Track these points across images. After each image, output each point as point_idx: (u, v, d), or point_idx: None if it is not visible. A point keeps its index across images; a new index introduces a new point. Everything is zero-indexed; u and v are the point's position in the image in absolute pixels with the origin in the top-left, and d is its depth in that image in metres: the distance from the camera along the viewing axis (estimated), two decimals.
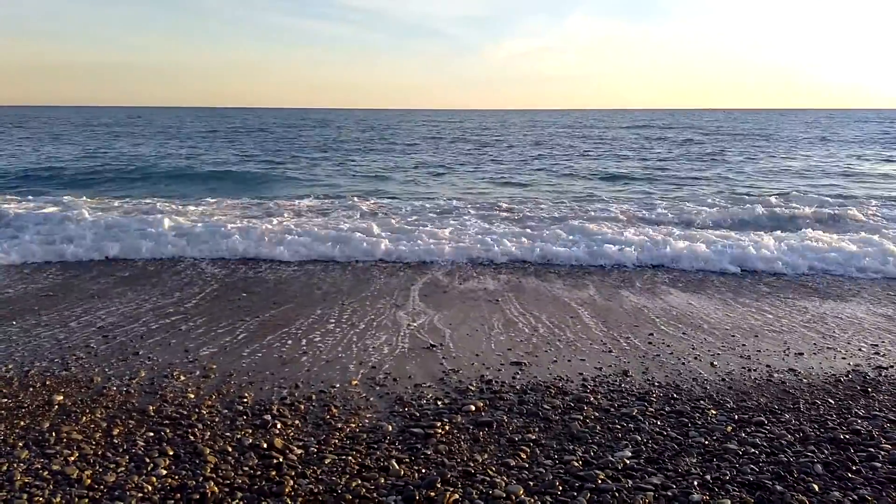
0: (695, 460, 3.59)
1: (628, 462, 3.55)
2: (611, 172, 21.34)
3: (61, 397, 4.40)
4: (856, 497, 3.23)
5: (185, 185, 17.43)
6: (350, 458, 3.61)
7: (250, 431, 3.94)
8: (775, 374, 5.01)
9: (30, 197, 14.29)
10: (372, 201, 14.18)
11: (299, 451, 3.68)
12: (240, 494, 3.23)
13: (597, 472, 3.43)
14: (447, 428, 4.00)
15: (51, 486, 3.27)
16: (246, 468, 3.48)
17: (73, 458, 3.54)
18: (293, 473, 3.42)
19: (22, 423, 4.00)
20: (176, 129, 46.34)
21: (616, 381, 4.85)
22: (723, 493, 3.26)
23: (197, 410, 4.23)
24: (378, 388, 4.71)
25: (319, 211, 12.98)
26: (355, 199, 14.45)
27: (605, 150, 31.33)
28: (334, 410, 4.27)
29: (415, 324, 6.24)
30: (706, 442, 3.80)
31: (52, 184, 17.64)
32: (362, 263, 8.94)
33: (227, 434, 3.90)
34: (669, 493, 3.25)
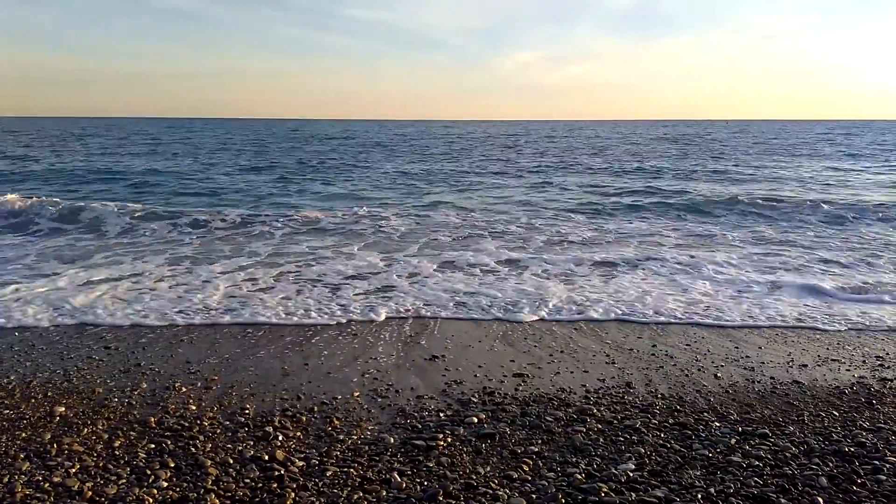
0: (699, 473, 3.56)
1: (632, 475, 3.53)
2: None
3: (63, 409, 4.39)
4: None
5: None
6: (352, 470, 3.59)
7: (252, 443, 3.92)
8: (779, 386, 4.99)
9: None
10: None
11: (301, 464, 3.66)
12: None
13: (600, 484, 3.41)
14: (449, 440, 3.98)
15: (52, 499, 3.25)
16: (247, 480, 3.47)
17: (74, 470, 3.53)
18: (294, 486, 3.41)
19: (23, 434, 3.99)
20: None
21: (619, 392, 4.83)
22: None
23: (198, 422, 4.21)
24: (380, 399, 4.70)
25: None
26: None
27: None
28: (336, 422, 4.26)
29: (417, 334, 6.23)
30: (710, 454, 3.78)
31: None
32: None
33: (229, 446, 3.88)
34: None
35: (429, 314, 6.88)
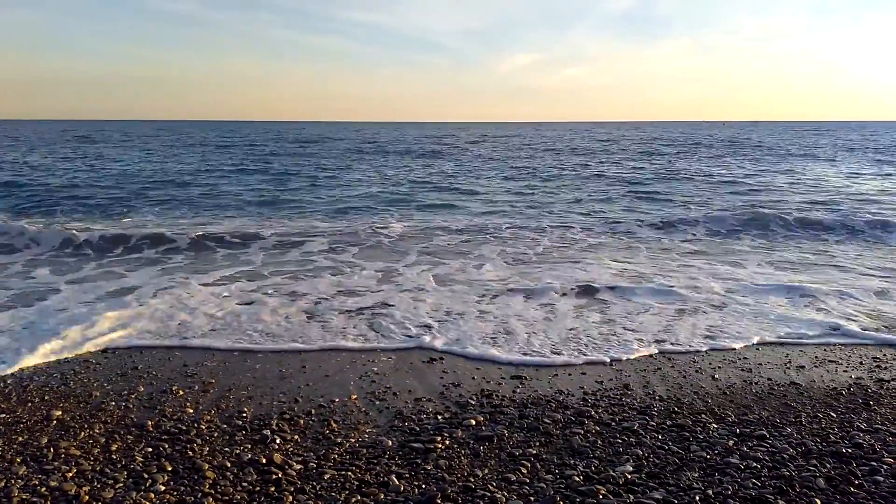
0: (696, 475, 3.57)
1: (630, 477, 3.53)
2: None
3: (60, 412, 4.38)
4: None
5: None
6: (350, 473, 3.59)
7: (249, 446, 3.92)
8: (777, 388, 4.99)
9: None
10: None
11: (298, 467, 3.65)
12: None
13: (598, 486, 3.41)
14: (447, 443, 3.98)
15: (49, 503, 3.25)
16: (245, 484, 3.46)
17: (71, 474, 3.52)
18: (292, 489, 3.40)
19: (20, 438, 3.98)
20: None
21: (617, 394, 4.83)
22: None
23: (196, 425, 4.21)
24: (378, 402, 4.69)
25: None
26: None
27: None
28: (334, 425, 4.25)
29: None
30: (708, 456, 3.78)
31: None
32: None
33: (226, 449, 3.88)
34: None
35: (429, 343, 5.97)
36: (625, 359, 5.62)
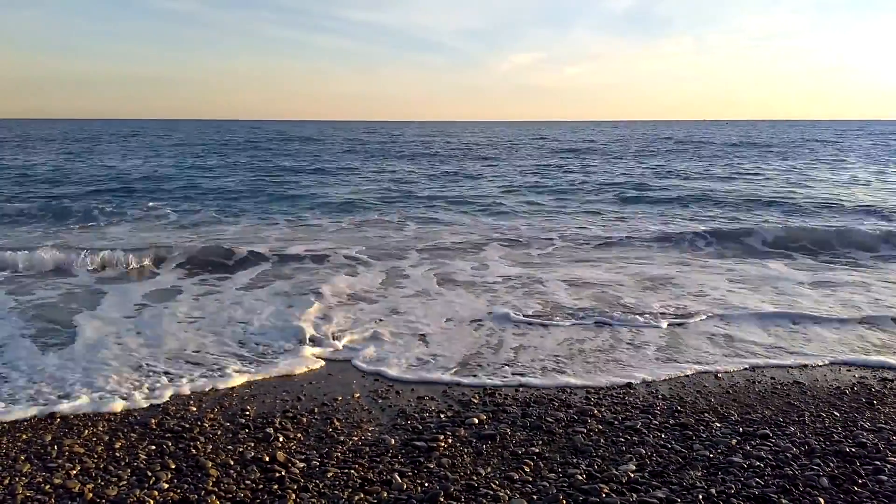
0: (699, 474, 3.56)
1: (632, 475, 3.53)
2: None
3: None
4: None
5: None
6: (352, 471, 3.59)
7: (252, 445, 3.92)
8: (780, 386, 4.98)
9: None
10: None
11: (302, 465, 3.66)
12: None
13: (601, 485, 3.41)
14: (450, 441, 3.98)
15: (53, 500, 3.26)
16: (248, 482, 3.47)
17: (74, 472, 3.53)
18: (295, 487, 3.41)
19: (24, 436, 3.99)
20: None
21: (619, 393, 4.83)
22: None
23: (199, 423, 4.21)
24: (380, 400, 4.70)
25: None
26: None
27: None
28: (337, 423, 4.26)
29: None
30: (711, 455, 3.78)
31: None
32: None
33: (230, 447, 3.88)
34: None
35: (433, 372, 5.27)
36: (619, 385, 4.96)
